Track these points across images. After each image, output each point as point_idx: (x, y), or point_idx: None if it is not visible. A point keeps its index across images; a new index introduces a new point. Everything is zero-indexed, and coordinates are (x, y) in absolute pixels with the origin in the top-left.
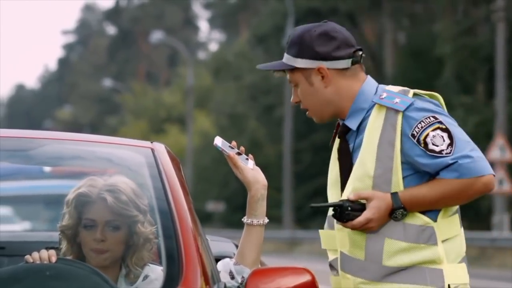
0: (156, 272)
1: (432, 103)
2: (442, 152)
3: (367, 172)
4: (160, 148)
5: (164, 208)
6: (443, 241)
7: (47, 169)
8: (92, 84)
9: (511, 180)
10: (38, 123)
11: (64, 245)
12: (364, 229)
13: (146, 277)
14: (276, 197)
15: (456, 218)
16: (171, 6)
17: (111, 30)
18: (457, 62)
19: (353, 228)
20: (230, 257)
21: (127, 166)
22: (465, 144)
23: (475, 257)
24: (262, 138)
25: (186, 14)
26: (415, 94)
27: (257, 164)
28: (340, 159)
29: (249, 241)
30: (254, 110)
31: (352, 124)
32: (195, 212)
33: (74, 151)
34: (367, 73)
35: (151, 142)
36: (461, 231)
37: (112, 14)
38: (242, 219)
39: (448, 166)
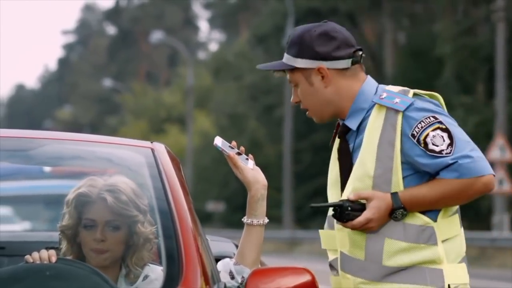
0: (156, 272)
1: (432, 103)
2: (442, 152)
3: (367, 172)
4: (160, 148)
5: (164, 208)
6: (443, 241)
7: (47, 169)
8: (92, 84)
9: (511, 180)
10: (38, 123)
11: (64, 245)
12: (364, 229)
13: (146, 277)
14: (276, 197)
15: (456, 218)
16: (171, 6)
17: (111, 30)
18: (457, 62)
19: (353, 228)
20: (230, 257)
21: (127, 166)
22: (465, 144)
23: (475, 257)
24: (262, 138)
25: (186, 14)
26: (415, 94)
27: (257, 164)
28: (340, 159)
29: (249, 241)
30: (254, 110)
31: (352, 124)
32: (195, 212)
33: (74, 151)
34: (367, 73)
35: (151, 142)
36: (461, 231)
37: (112, 14)
38: (242, 219)
39: (448, 166)
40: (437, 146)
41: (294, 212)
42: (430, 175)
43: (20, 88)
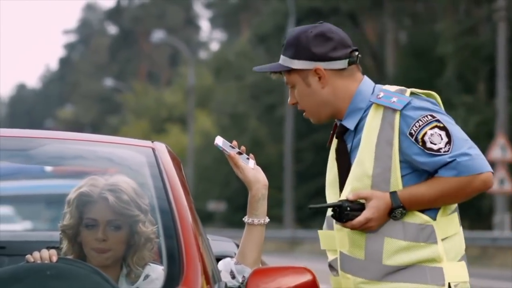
0: (157, 272)
1: (429, 102)
2: (440, 150)
3: (365, 172)
4: (161, 147)
5: (165, 208)
6: (442, 240)
7: (48, 168)
8: (93, 84)
9: None
10: (40, 122)
11: (65, 245)
12: (363, 228)
13: (147, 276)
14: (277, 197)
15: (455, 217)
16: (172, 6)
17: (112, 29)
18: (458, 61)
19: (353, 228)
20: (231, 257)
21: (128, 166)
22: (463, 142)
23: (476, 257)
24: (263, 137)
25: (187, 13)
26: (412, 93)
27: (258, 163)
28: (338, 159)
29: (250, 241)
30: (255, 110)
31: (350, 124)
32: (196, 211)
33: (75, 151)
34: (369, 73)
35: (152, 142)
36: (460, 229)
37: (114, 14)
38: (243, 219)
39: (446, 164)
40: (435, 144)
41: (295, 212)
42: (428, 174)
43: (21, 88)
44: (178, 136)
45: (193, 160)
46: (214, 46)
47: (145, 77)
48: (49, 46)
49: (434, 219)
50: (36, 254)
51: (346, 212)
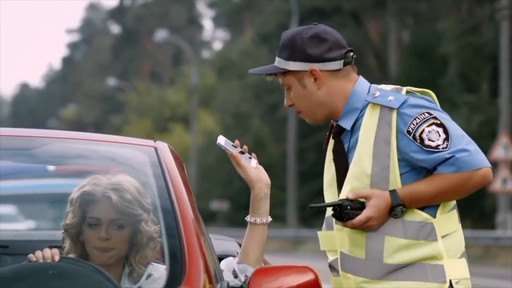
0: (159, 271)
1: (425, 99)
2: (439, 147)
3: (364, 171)
4: (163, 147)
5: (167, 207)
6: (442, 237)
7: (51, 168)
8: (96, 83)
9: None
10: (42, 122)
11: (67, 244)
12: (364, 227)
13: (149, 275)
14: (280, 196)
15: (454, 214)
16: (175, 5)
17: (115, 29)
18: (461, 60)
19: (354, 227)
20: (234, 256)
21: (130, 165)
22: (461, 138)
23: (479, 256)
24: (266, 137)
25: (190, 13)
26: (407, 92)
27: (261, 163)
28: (335, 160)
29: (253, 240)
30: (258, 109)
31: (346, 124)
32: (198, 211)
33: (77, 150)
34: (371, 72)
35: (154, 141)
36: (459, 226)
37: (116, 13)
38: (245, 218)
39: (445, 160)
40: (433, 141)
41: (298, 211)
42: (427, 171)
43: (24, 87)
44: (181, 135)
45: (195, 159)
46: (217, 46)
47: (148, 77)
48: (52, 45)
49: (434, 216)
50: (39, 253)
51: (346, 211)
